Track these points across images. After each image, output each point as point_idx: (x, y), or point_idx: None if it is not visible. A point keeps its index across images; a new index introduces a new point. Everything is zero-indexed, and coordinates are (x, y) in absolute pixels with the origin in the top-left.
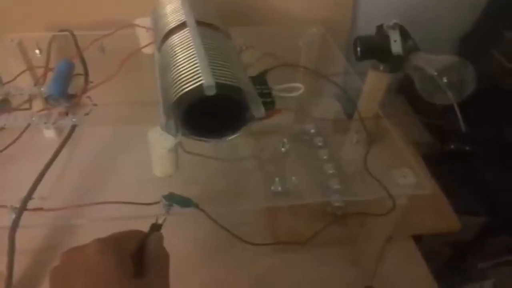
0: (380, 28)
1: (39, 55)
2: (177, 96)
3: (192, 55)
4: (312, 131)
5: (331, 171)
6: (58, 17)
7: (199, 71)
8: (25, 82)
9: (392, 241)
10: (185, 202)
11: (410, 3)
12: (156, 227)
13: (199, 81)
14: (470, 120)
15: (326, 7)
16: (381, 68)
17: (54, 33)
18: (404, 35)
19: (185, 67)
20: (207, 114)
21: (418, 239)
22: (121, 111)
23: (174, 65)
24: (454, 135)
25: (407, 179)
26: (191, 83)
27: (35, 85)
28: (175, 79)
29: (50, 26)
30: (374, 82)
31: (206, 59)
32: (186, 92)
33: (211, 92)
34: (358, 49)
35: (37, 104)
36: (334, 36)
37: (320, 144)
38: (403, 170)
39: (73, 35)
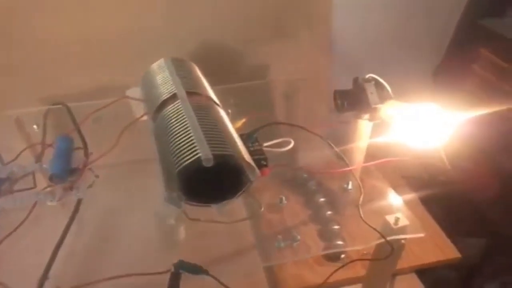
0: (356, 80)
1: (37, 130)
2: (177, 169)
3: (187, 127)
4: (305, 175)
5: (330, 220)
6: (50, 90)
7: (195, 144)
8: (26, 159)
9: (397, 278)
10: (195, 269)
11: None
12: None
13: (197, 154)
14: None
15: (306, 62)
16: (363, 117)
17: (48, 107)
18: (379, 86)
19: (181, 140)
20: (207, 181)
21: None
22: (122, 173)
23: (171, 136)
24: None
25: (401, 224)
26: (189, 156)
27: (36, 162)
28: (173, 152)
29: (44, 99)
30: (358, 130)
31: (200, 131)
32: (185, 165)
33: (209, 163)
34: (338, 102)
35: (40, 180)
36: (317, 89)
37: (314, 187)
38: (396, 215)
39: (67, 107)
